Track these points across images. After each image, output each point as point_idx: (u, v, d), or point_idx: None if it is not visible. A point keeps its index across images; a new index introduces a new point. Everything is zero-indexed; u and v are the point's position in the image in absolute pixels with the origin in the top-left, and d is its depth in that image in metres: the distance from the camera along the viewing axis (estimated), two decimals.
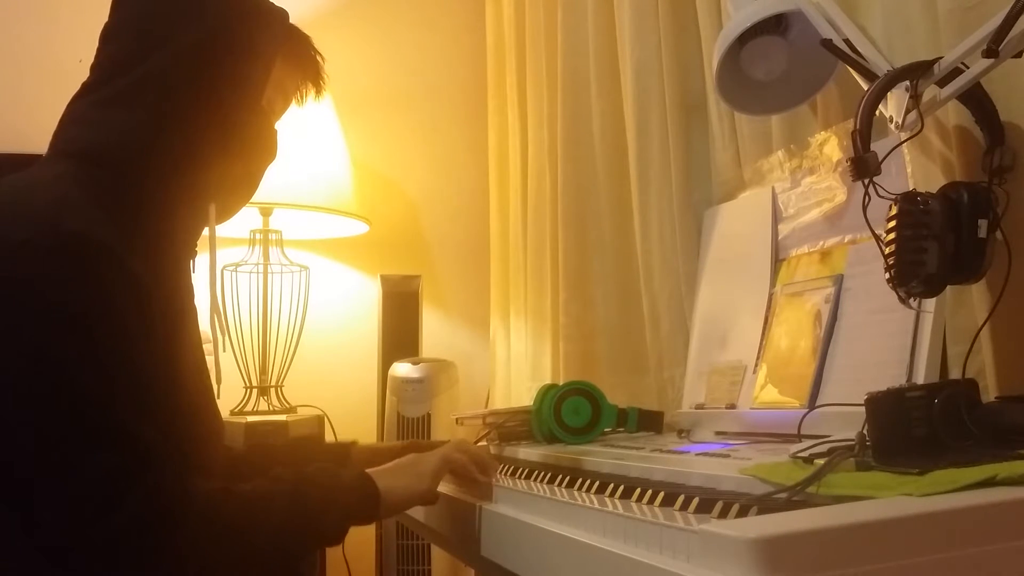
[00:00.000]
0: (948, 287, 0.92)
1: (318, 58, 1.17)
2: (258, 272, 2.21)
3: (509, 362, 2.27)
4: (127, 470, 0.84)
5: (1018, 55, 0.86)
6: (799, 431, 1.03)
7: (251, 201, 1.19)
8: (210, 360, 1.12)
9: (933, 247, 0.88)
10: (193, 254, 1.09)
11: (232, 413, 2.12)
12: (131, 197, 0.96)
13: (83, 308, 0.85)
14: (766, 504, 0.66)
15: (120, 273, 0.88)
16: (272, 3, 1.09)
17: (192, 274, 1.09)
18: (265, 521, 0.91)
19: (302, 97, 1.18)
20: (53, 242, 0.85)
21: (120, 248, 0.89)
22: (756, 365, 1.26)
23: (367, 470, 1.01)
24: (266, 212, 2.18)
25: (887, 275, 0.90)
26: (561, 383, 1.41)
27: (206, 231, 1.11)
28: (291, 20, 1.12)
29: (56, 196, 0.91)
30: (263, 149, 1.10)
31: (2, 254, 0.85)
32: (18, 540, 0.84)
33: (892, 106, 0.99)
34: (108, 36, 1.03)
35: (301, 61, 1.14)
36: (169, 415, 0.91)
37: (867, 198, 0.90)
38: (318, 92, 1.18)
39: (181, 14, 1.01)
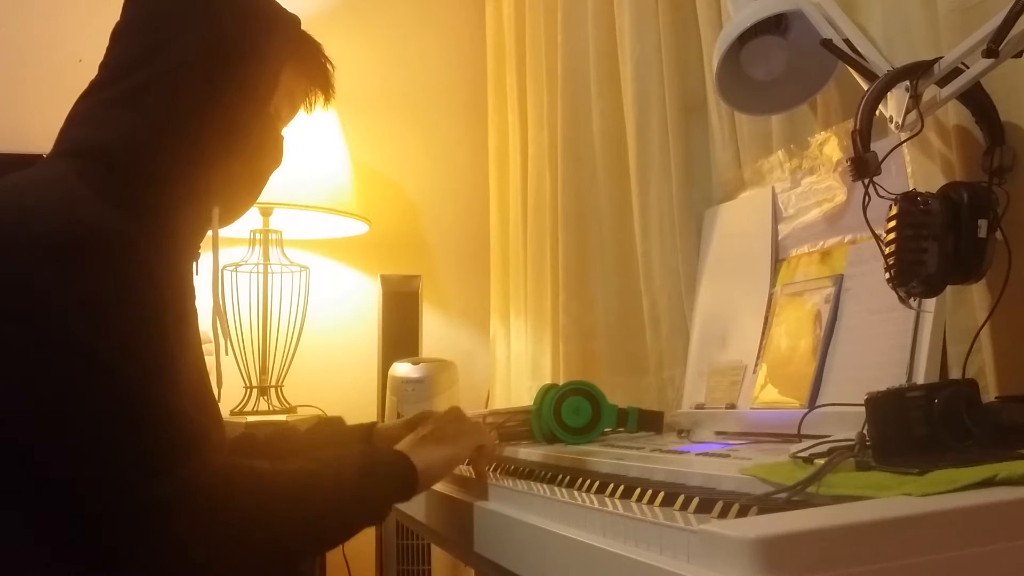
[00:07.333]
0: (948, 287, 0.92)
1: (328, 66, 1.16)
2: (258, 272, 2.21)
3: (509, 362, 2.27)
4: (176, 446, 0.84)
5: (1018, 55, 0.86)
6: (799, 431, 1.03)
7: None
8: (211, 361, 1.12)
9: (933, 247, 0.88)
10: (196, 256, 1.09)
11: (232, 413, 2.12)
12: (134, 196, 0.96)
13: (106, 298, 0.85)
14: (766, 504, 0.65)
15: (138, 262, 0.89)
16: (283, 9, 1.09)
17: (195, 276, 1.09)
18: (311, 499, 0.92)
19: (310, 104, 1.18)
20: (70, 235, 0.85)
21: (135, 239, 0.90)
22: (756, 365, 1.26)
23: (397, 447, 1.03)
24: (266, 212, 2.18)
25: (887, 275, 0.90)
26: (561, 383, 1.41)
27: (209, 233, 1.11)
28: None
29: (66, 191, 0.91)
30: (268, 154, 1.10)
31: (20, 250, 0.84)
32: (37, 544, 0.83)
33: (892, 106, 0.99)
34: (118, 36, 1.03)
35: (310, 68, 1.14)
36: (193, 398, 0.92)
37: (867, 198, 0.90)
38: (327, 100, 1.18)
39: (191, 17, 1.01)
